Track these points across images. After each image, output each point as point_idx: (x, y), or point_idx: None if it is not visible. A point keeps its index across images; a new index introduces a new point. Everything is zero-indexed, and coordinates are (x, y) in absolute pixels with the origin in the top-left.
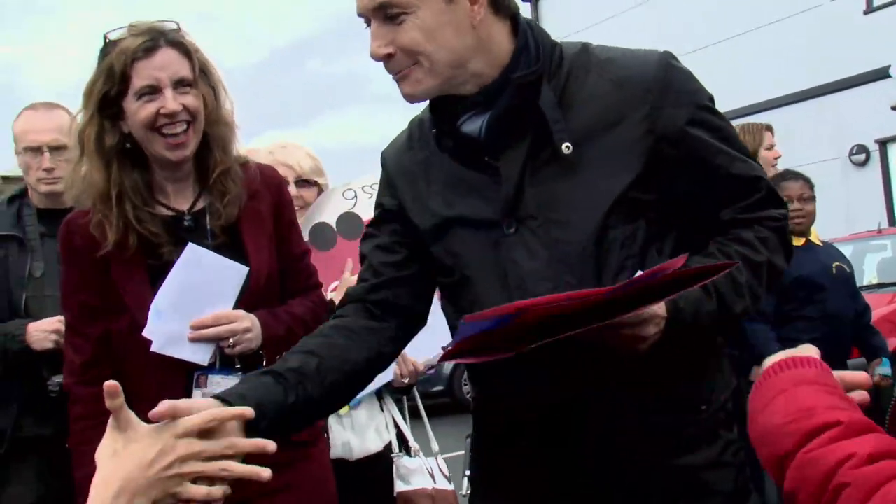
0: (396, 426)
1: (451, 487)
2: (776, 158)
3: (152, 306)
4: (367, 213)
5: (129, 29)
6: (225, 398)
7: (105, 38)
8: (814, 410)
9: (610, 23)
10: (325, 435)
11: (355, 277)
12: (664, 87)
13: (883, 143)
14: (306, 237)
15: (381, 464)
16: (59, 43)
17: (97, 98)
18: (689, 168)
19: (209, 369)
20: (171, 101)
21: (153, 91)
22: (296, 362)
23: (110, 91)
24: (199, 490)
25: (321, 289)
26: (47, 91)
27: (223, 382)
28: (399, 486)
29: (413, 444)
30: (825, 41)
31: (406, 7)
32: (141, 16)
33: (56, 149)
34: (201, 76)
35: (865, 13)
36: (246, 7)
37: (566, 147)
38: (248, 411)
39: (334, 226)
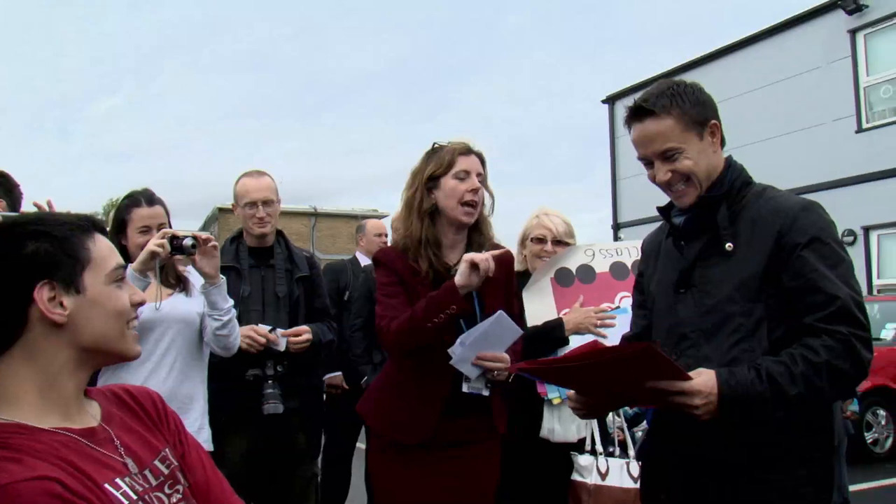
0: (602, 425)
1: (634, 486)
2: None
3: (460, 338)
4: (600, 267)
5: (450, 143)
6: None
7: (434, 144)
8: None
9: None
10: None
11: (585, 308)
12: (796, 219)
13: (867, 230)
14: (552, 275)
15: (569, 452)
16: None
17: (424, 177)
18: (792, 275)
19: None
20: (474, 182)
21: (467, 175)
22: None
23: (436, 172)
24: None
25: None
26: None
27: (475, 383)
28: (574, 476)
29: (599, 447)
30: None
31: (678, 150)
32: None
33: (266, 203)
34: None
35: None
36: None
37: (728, 246)
38: None
39: (574, 272)
